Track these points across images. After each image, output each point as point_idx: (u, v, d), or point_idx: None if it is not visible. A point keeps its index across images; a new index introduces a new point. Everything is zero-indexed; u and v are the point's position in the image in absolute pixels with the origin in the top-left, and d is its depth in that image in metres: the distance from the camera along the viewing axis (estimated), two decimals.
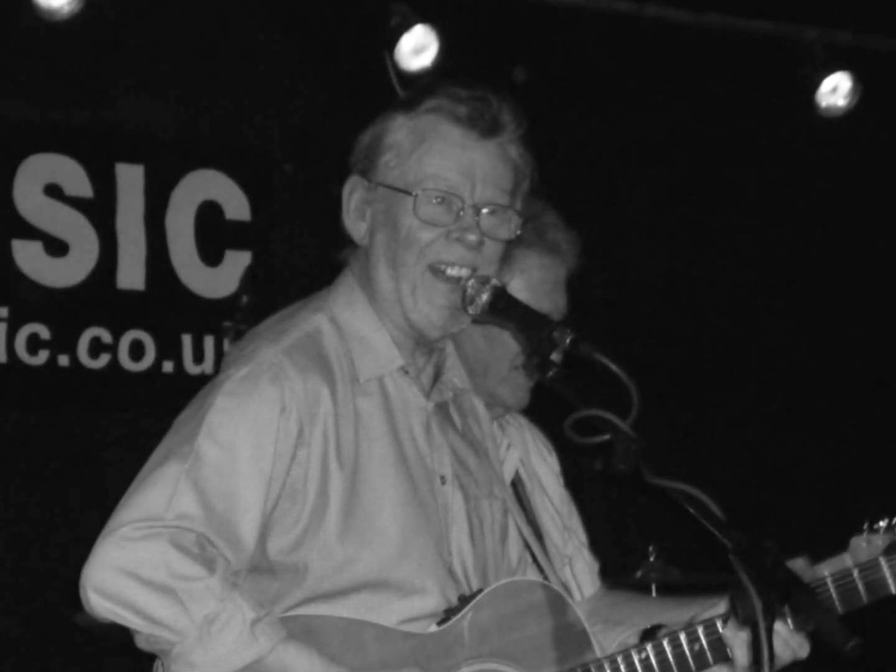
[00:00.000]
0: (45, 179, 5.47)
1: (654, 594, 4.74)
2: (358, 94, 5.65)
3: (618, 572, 4.74)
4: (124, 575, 2.51)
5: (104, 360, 5.52)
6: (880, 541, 3.26)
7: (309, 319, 2.79)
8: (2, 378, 5.34)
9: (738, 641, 2.87)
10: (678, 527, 3.01)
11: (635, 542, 5.65)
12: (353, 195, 2.83)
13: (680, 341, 6.51)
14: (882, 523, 3.30)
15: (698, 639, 2.91)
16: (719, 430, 6.50)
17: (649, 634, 3.02)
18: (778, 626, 2.63)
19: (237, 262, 5.70)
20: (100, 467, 5.31)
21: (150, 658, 2.64)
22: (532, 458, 3.50)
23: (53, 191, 5.49)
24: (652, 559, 4.93)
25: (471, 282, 2.74)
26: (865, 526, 3.31)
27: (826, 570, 3.14)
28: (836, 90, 6.37)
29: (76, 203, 5.52)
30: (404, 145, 2.78)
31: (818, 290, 6.76)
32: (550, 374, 2.58)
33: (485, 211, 2.77)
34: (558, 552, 3.42)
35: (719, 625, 2.91)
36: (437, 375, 2.90)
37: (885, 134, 6.69)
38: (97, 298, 5.53)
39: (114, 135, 5.60)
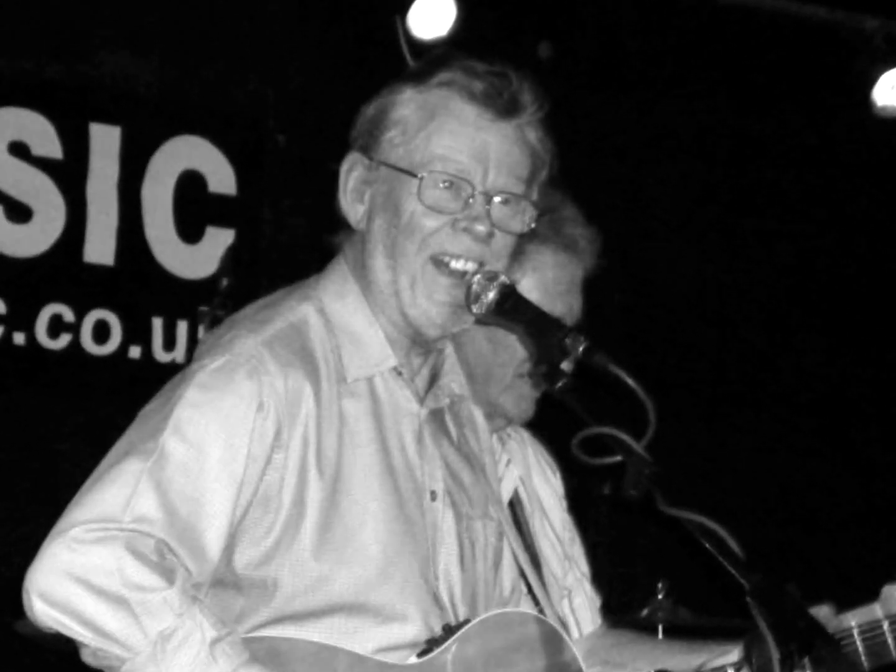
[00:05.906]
0: (10, 136, 5.48)
1: (660, 636, 4.74)
2: (363, 61, 5.65)
3: (621, 609, 4.75)
4: (73, 581, 2.51)
5: (64, 340, 5.52)
6: None
7: (294, 309, 2.78)
8: None
9: None
10: (691, 563, 3.01)
11: (643, 576, 5.65)
12: (352, 174, 2.83)
13: (704, 356, 6.51)
14: None
15: None
16: (743, 457, 6.50)
17: None
18: None
19: (219, 241, 5.71)
20: (53, 459, 5.31)
21: None
22: (533, 477, 3.50)
23: (19, 149, 5.49)
24: (660, 597, 4.93)
25: (477, 277, 2.74)
26: None
27: (853, 620, 3.13)
28: (894, 88, 6.37)
29: (43, 164, 5.52)
30: (411, 121, 2.78)
31: (860, 305, 6.76)
32: (559, 384, 2.58)
33: (497, 199, 2.77)
34: (557, 583, 3.42)
35: None
36: (433, 379, 2.89)
37: None
38: (60, 272, 5.53)
39: (89, 91, 5.61)
